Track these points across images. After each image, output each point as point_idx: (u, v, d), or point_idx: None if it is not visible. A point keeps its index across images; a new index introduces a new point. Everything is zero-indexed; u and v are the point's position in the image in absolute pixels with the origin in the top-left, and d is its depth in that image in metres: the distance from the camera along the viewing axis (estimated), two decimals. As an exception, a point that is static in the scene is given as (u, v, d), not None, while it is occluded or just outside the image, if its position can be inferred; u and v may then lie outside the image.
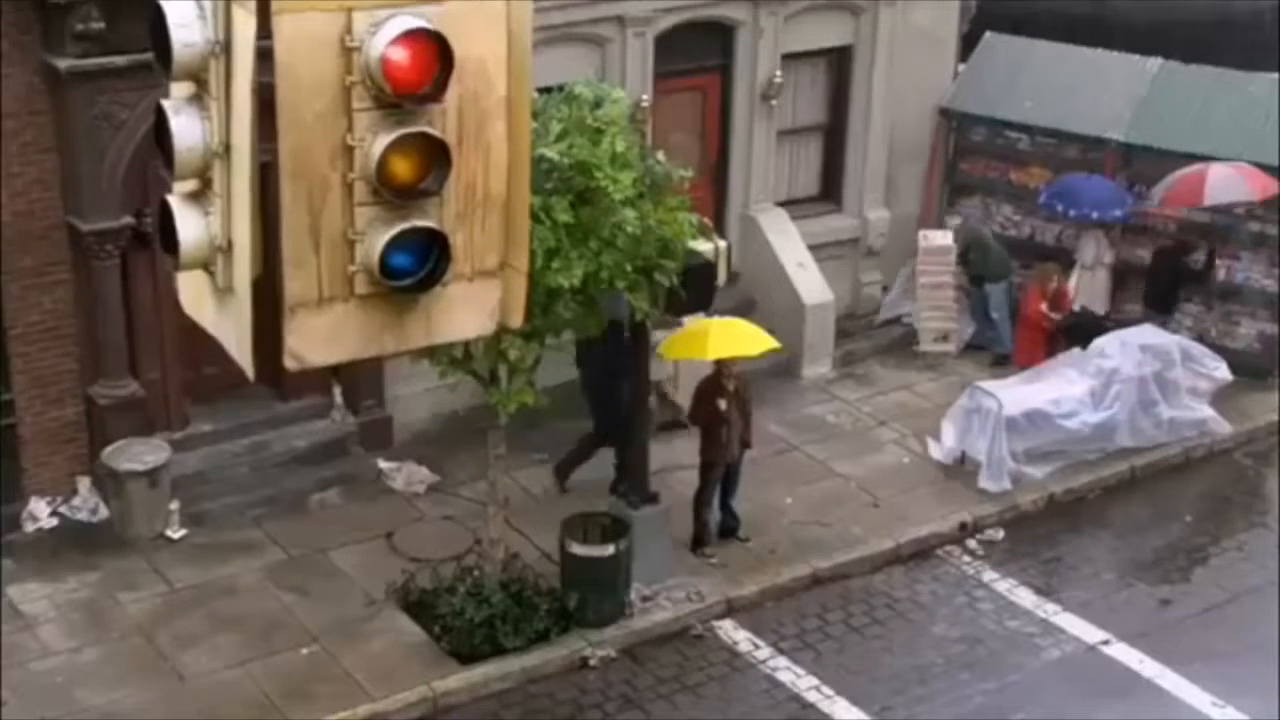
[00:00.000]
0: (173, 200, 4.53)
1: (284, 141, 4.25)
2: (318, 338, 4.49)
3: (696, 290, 11.81)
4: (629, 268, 11.08)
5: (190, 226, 4.48)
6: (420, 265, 4.53)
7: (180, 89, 4.49)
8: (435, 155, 4.44)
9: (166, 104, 4.44)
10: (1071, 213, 16.15)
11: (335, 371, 14.44)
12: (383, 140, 4.35)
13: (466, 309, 4.70)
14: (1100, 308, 16.50)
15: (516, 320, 4.82)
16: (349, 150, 4.35)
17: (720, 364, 13.00)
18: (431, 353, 11.39)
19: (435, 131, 4.43)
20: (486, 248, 4.67)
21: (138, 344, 13.32)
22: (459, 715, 11.65)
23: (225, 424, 13.95)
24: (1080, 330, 15.84)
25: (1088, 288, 16.47)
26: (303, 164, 4.27)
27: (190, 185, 4.56)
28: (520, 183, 4.67)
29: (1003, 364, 16.34)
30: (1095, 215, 16.10)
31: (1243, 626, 12.90)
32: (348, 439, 14.41)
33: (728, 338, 12.91)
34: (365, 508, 13.79)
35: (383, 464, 14.34)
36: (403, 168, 4.39)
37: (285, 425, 14.18)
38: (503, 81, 4.46)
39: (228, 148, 4.40)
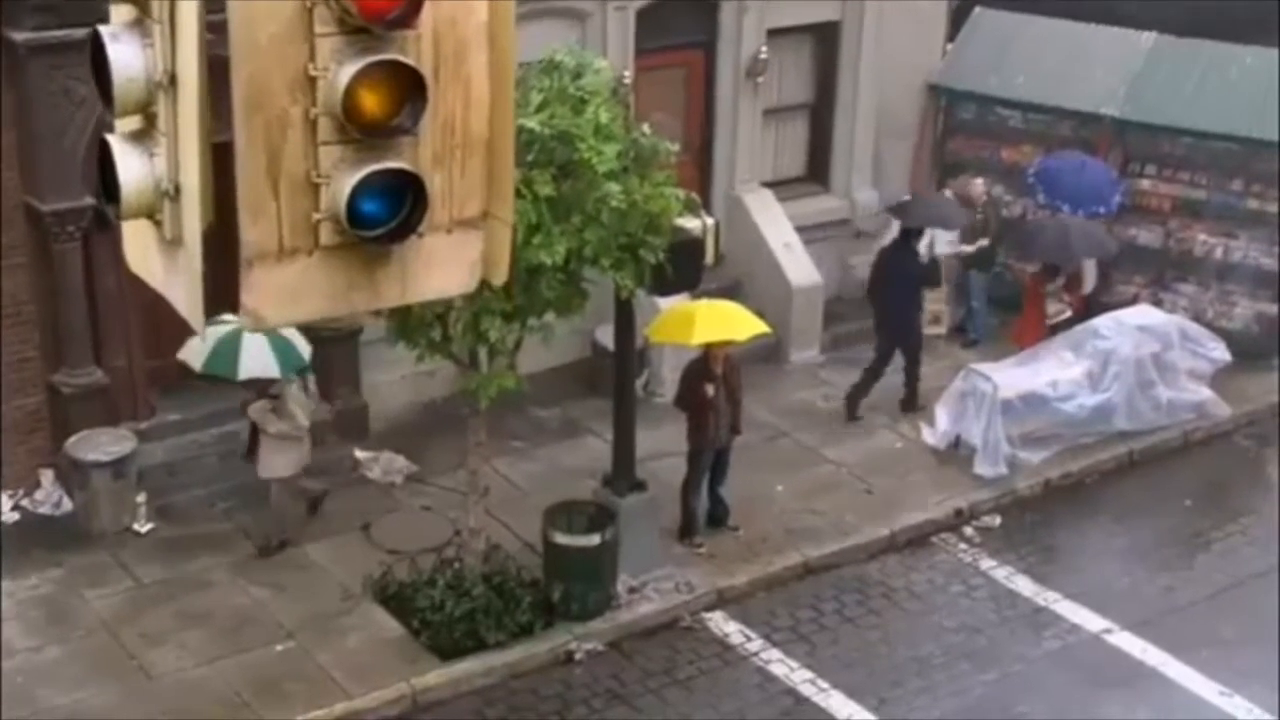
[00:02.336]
0: (113, 140, 4.05)
1: (237, 70, 3.77)
2: (278, 295, 4.00)
3: (684, 268, 11.34)
4: (614, 244, 10.64)
5: (132, 169, 3.99)
6: (393, 213, 4.05)
7: (121, 12, 4.00)
8: (408, 88, 3.96)
9: (104, 30, 3.95)
10: (1061, 206, 15.63)
11: (309, 358, 14.00)
12: (349, 70, 3.87)
13: (445, 263, 4.23)
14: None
15: (501, 276, 4.36)
16: (311, 81, 3.87)
17: (708, 348, 12.56)
18: (408, 335, 10.97)
19: (408, 60, 3.95)
20: (467, 194, 4.20)
21: (102, 330, 12.86)
22: (439, 713, 11.19)
23: (194, 413, 13.49)
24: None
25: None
26: (258, 96, 3.80)
27: (132, 123, 4.08)
28: (504, 121, 4.21)
29: (972, 347, 16.09)
30: (1081, 212, 15.60)
31: (1248, 613, 12.54)
32: (322, 428, 13.91)
33: (715, 321, 12.47)
34: (341, 499, 13.31)
35: (359, 453, 13.92)
36: (372, 101, 3.91)
37: (257, 414, 13.69)
38: (484, 5, 3.99)
39: (173, 79, 3.91)
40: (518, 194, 9.97)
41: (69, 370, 12.65)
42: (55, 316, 12.50)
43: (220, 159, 3.99)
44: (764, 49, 15.57)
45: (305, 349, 12.08)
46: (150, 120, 4.03)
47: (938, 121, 17.11)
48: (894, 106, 16.72)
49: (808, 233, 16.25)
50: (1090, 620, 12.39)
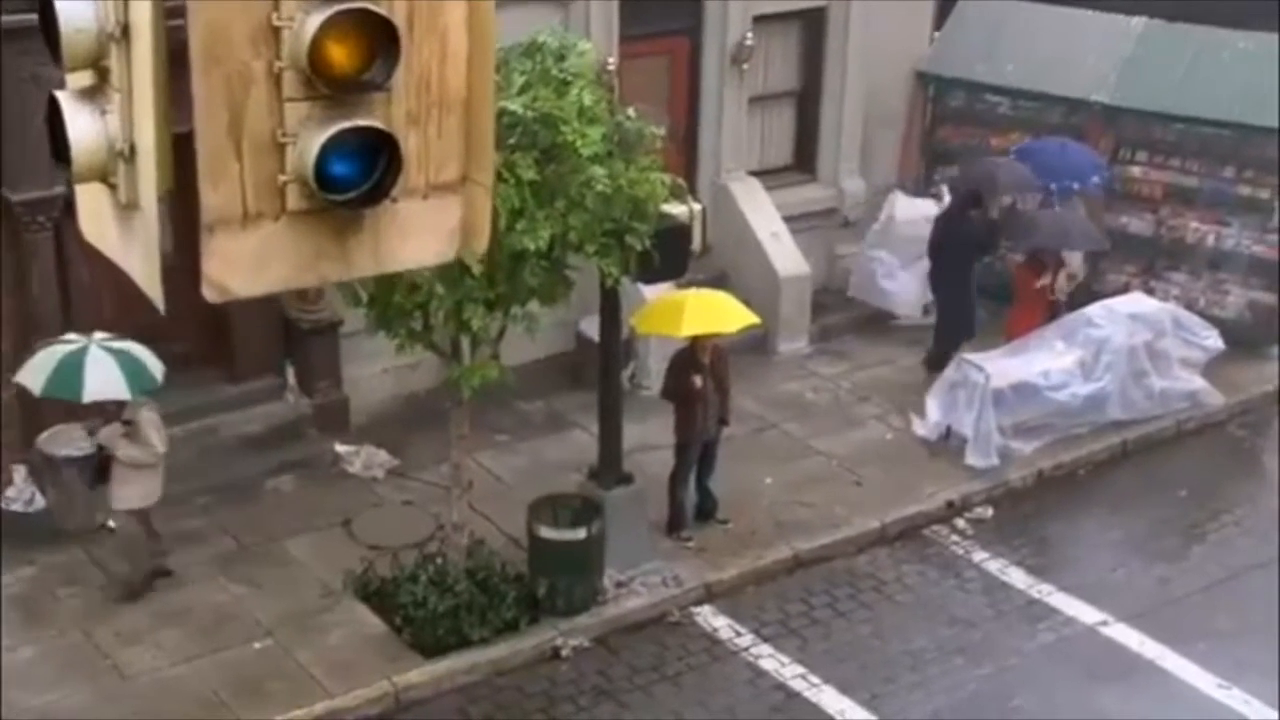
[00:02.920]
0: (63, 98, 3.78)
1: (193, 19, 3.50)
2: (242, 263, 3.74)
3: (670, 255, 11.09)
4: (598, 230, 10.39)
5: (83, 129, 3.72)
6: (364, 175, 3.78)
7: (69, -43, 3.74)
8: (380, 39, 3.69)
9: (51, -24, 3.69)
10: (1045, 182, 15.42)
11: (288, 351, 13.76)
12: (316, 19, 3.61)
13: (421, 231, 3.96)
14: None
15: (481, 244, 4.10)
16: (274, 31, 3.60)
17: (696, 338, 12.31)
18: (389, 325, 10.70)
19: (379, 9, 3.68)
20: (444, 157, 3.94)
21: (75, 322, 12.50)
22: (422, 711, 10.93)
23: (170, 407, 13.05)
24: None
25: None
26: (217, 48, 3.53)
27: (83, 79, 3.81)
28: (483, 79, 3.95)
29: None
30: (1075, 186, 15.39)
31: (1245, 604, 12.33)
32: (302, 422, 13.70)
33: (704, 312, 12.23)
34: (321, 494, 13.07)
35: (339, 448, 13.64)
36: (340, 54, 3.65)
37: (234, 408, 13.45)
38: (461, -49, 3.74)
39: (125, 29, 3.64)
40: (500, 179, 9.72)
41: (41, 363, 12.31)
42: (25, 307, 12.20)
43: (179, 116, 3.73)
44: (749, 35, 15.33)
45: (158, 369, 11.16)
46: (102, 75, 3.77)
47: (926, 109, 16.88)
48: (882, 94, 16.49)
49: (795, 222, 16.01)
50: (1085, 612, 12.17)
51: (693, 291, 12.48)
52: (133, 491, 11.35)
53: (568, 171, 10.08)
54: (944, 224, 15.30)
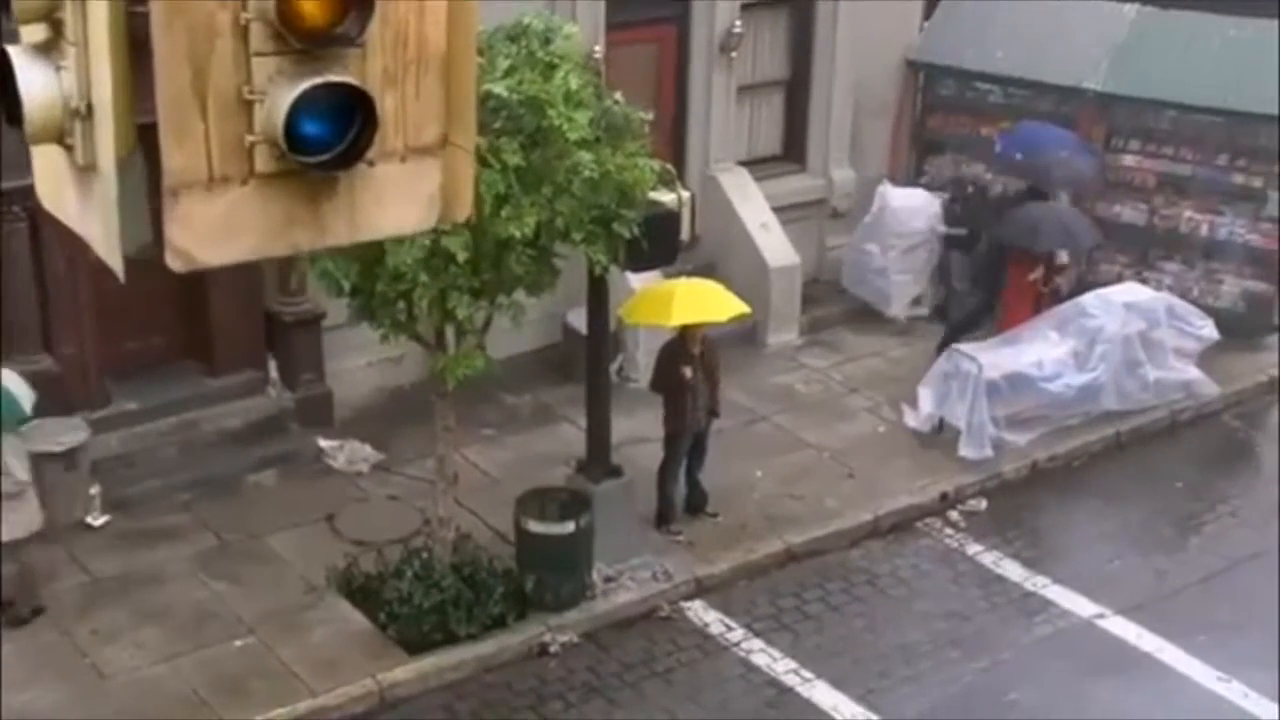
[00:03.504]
0: (14, 53, 3.55)
1: (154, -34, 3.29)
2: (209, 230, 3.51)
3: (659, 243, 10.87)
4: (585, 217, 10.17)
5: (37, 86, 3.49)
6: (338, 136, 3.56)
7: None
8: (354, -10, 3.49)
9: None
10: (1016, 155, 15.21)
11: (271, 344, 13.53)
12: (285, -33, 3.40)
13: (399, 197, 3.74)
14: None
15: (463, 212, 3.87)
16: (241, -20, 3.40)
17: (686, 328, 12.10)
18: (372, 314, 10.47)
19: (353, -43, 3.48)
20: (423, 118, 3.72)
21: (52, 315, 12.31)
22: (408, 709, 10.70)
23: (150, 402, 12.97)
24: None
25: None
26: (181, -3, 3.31)
27: (37, 32, 3.59)
28: (465, 36, 3.73)
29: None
30: (1053, 159, 15.15)
31: (1244, 596, 12.16)
32: (284, 416, 13.47)
33: (694, 301, 12.02)
34: (304, 489, 12.83)
35: (323, 442, 13.40)
36: (312, 6, 3.42)
37: (216, 402, 13.20)
38: (438, -106, 3.52)
39: (81, -24, 3.43)
40: (484, 164, 9.52)
41: (17, 357, 12.03)
42: (2, 301, 11.95)
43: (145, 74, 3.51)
44: (738, 23, 15.13)
45: (28, 398, 10.75)
46: (56, 28, 3.54)
47: (916, 98, 16.68)
48: (871, 83, 16.30)
49: (784, 214, 15.82)
50: (1082, 605, 11.99)
51: (682, 280, 12.28)
52: (11, 520, 10.80)
53: (554, 157, 9.85)
54: (990, 214, 15.10)
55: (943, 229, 15.83)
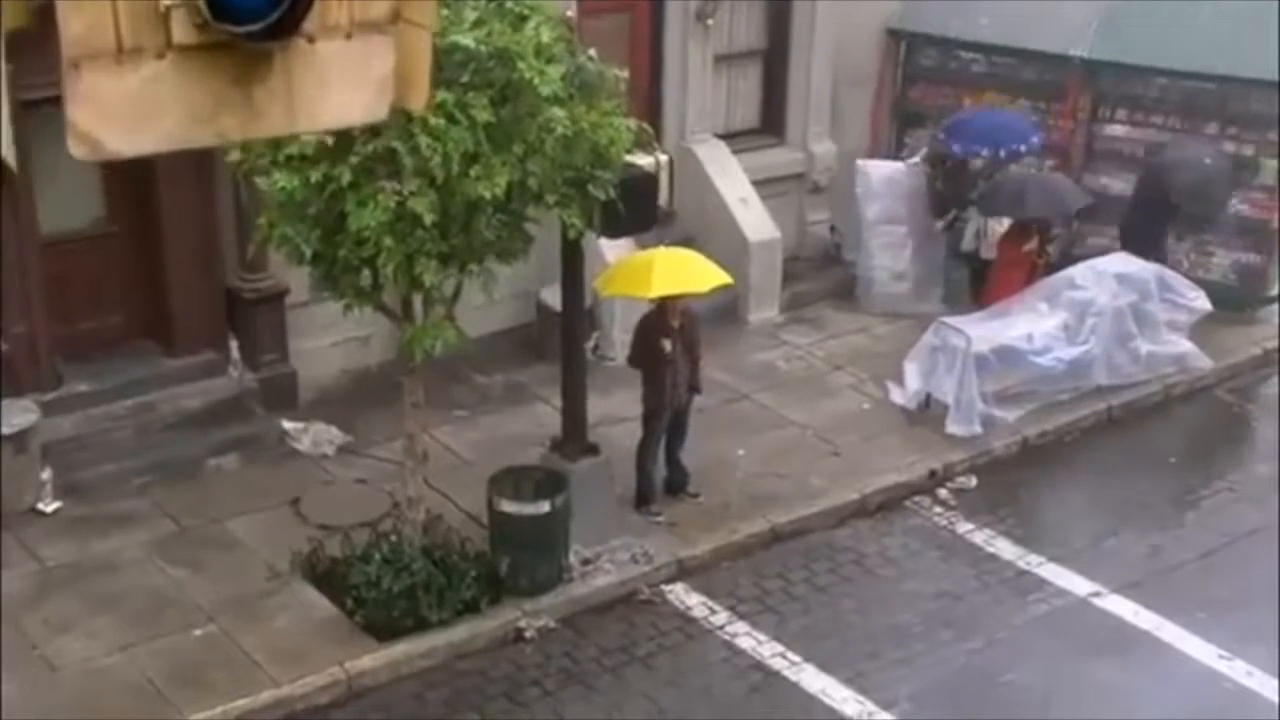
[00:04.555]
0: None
1: None
2: (120, 112, 3.00)
3: (636, 207, 10.39)
4: (559, 178, 9.67)
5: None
6: (271, 1, 3.07)
7: None
8: None
9: None
10: (980, 150, 14.78)
11: (232, 323, 12.99)
12: None
13: (345, 81, 3.24)
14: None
15: (419, 99, 3.38)
16: None
17: (665, 298, 11.62)
18: (334, 283, 9.94)
19: None
20: (372, -12, 3.23)
21: (0, 294, 11.75)
22: (376, 698, 10.19)
23: (104, 383, 12.44)
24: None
25: None
26: None
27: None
28: (417, -109, 3.24)
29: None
30: (1002, 153, 14.74)
31: (1243, 572, 11.75)
32: (246, 397, 12.95)
33: (674, 271, 11.53)
34: (267, 472, 12.32)
35: (286, 424, 12.88)
36: None
37: (174, 384, 12.68)
38: None
39: None
40: (452, 120, 9.03)
41: (-37, 337, 11.56)
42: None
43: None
44: (714, -12, 14.67)
45: None
46: None
47: (897, 68, 16.24)
48: (852, 53, 15.85)
49: (763, 188, 15.36)
50: (1077, 583, 11.57)
51: (661, 250, 11.78)
52: None
53: (525, 113, 9.35)
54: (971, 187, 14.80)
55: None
